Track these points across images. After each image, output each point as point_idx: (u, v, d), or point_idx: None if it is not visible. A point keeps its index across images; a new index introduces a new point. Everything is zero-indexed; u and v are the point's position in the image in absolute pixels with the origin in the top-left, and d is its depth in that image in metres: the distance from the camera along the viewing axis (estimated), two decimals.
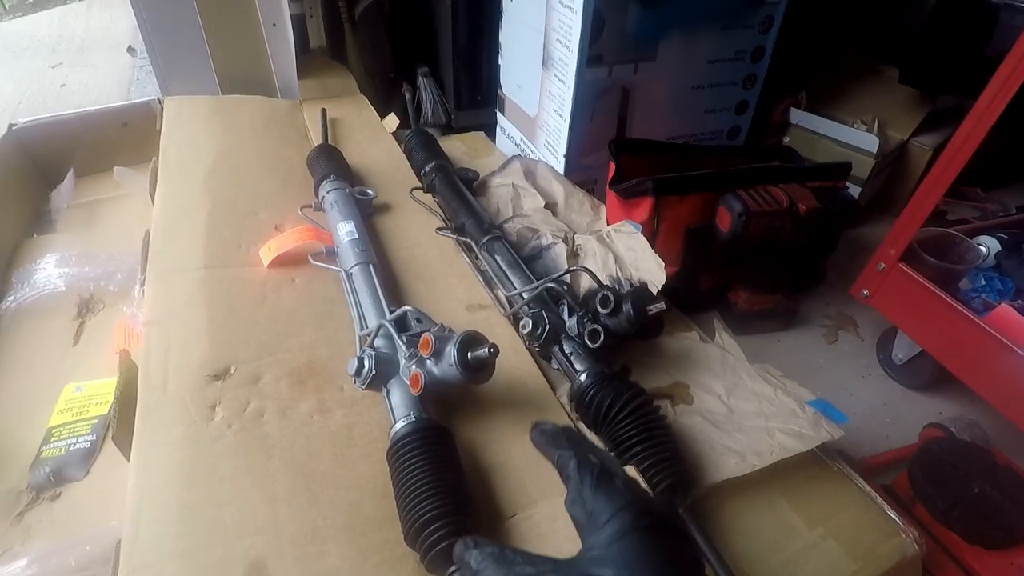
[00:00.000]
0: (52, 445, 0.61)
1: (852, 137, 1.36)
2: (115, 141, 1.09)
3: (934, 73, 1.37)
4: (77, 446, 0.61)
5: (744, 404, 0.64)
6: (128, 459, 0.49)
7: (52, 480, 0.59)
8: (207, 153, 0.92)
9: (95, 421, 0.64)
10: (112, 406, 0.52)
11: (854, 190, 1.35)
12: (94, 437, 0.62)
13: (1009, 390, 0.79)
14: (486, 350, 0.49)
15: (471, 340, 0.51)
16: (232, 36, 1.15)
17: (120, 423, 0.50)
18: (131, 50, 1.97)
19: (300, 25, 1.46)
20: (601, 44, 1.01)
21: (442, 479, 0.45)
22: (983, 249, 0.97)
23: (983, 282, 0.94)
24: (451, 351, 0.49)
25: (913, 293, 0.90)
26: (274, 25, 1.15)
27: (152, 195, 0.84)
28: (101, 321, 0.77)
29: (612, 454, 0.45)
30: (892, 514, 0.60)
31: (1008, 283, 0.95)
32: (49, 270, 0.81)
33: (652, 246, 0.78)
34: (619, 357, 0.67)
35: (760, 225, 0.89)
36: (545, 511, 0.50)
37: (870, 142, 1.32)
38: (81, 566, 0.49)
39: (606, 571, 0.31)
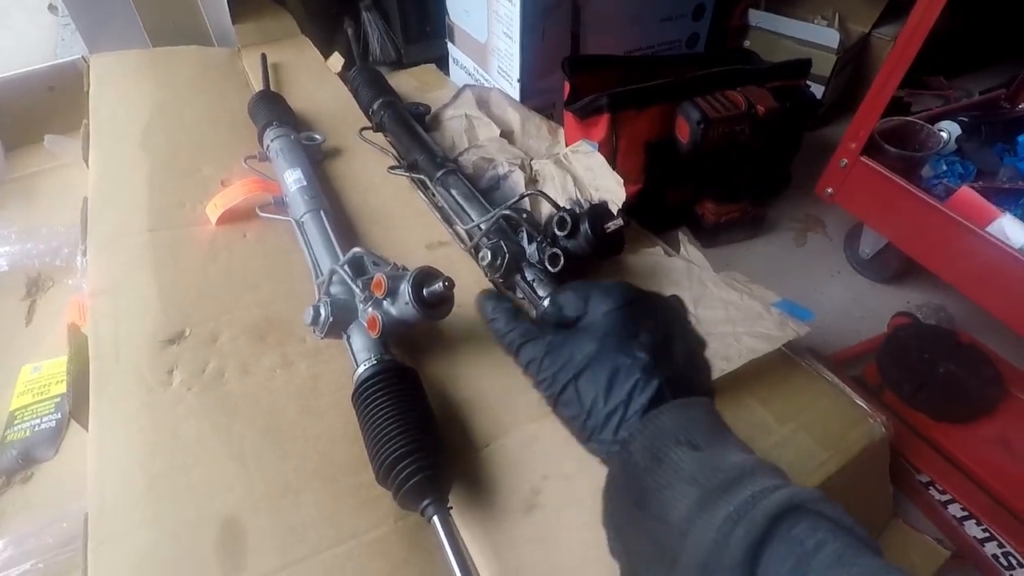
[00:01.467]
0: (16, 428, 0.60)
1: (813, 34, 1.32)
2: (43, 108, 1.02)
3: None
4: (43, 426, 0.60)
5: (711, 312, 0.64)
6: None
7: (21, 462, 0.58)
8: (141, 111, 0.87)
9: (58, 399, 0.62)
10: (67, 382, 0.50)
11: (817, 89, 1.32)
12: (59, 415, 0.61)
13: (970, 271, 0.80)
14: (441, 284, 0.48)
15: (425, 276, 0.49)
16: None
17: (76, 398, 0.49)
18: (52, 8, 1.83)
19: None
20: None
21: (408, 417, 0.44)
22: (943, 134, 0.96)
23: (944, 167, 0.94)
24: (405, 289, 0.48)
25: (876, 185, 0.89)
26: None
27: (86, 160, 0.79)
28: (52, 298, 0.75)
29: None
30: (860, 402, 0.62)
31: (969, 166, 0.95)
32: None
33: (612, 164, 0.76)
34: (585, 280, 0.66)
35: (719, 131, 0.87)
36: (518, 438, 0.51)
37: (831, 37, 1.29)
38: (60, 543, 0.49)
39: (601, 335, 0.38)
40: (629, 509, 0.33)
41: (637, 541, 0.32)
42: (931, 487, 0.74)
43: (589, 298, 0.41)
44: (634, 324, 0.38)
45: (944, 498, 0.73)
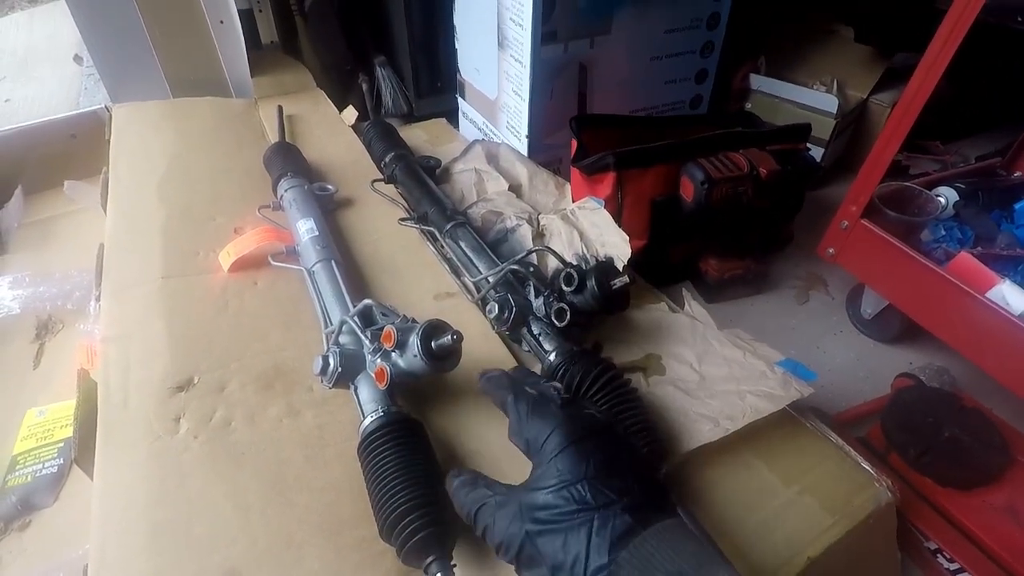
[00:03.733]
0: (18, 473, 0.60)
1: (812, 99, 1.37)
2: (64, 154, 1.05)
3: (888, 30, 1.38)
4: (44, 472, 0.60)
5: (715, 370, 0.65)
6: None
7: (20, 509, 0.57)
8: (160, 160, 0.90)
9: (61, 445, 0.62)
10: (73, 428, 0.51)
11: (817, 152, 1.36)
12: (61, 461, 0.61)
13: (972, 335, 0.80)
14: (449, 337, 0.49)
15: (434, 329, 0.50)
16: (178, 37, 1.11)
17: (82, 444, 0.49)
18: (78, 59, 1.91)
19: (249, 20, 1.42)
20: (554, 20, 0.99)
21: (413, 471, 0.44)
22: (941, 200, 0.98)
23: (943, 232, 0.96)
24: (414, 341, 0.49)
25: (876, 248, 0.91)
26: (221, 22, 1.12)
27: (104, 207, 0.81)
28: (61, 342, 0.75)
29: (557, 383, 0.47)
30: (866, 465, 0.61)
31: (967, 231, 0.97)
32: (3, 293, 0.78)
33: (618, 221, 0.77)
34: (590, 334, 0.67)
35: (723, 192, 0.90)
36: None
37: (830, 103, 1.33)
38: None
39: (549, 485, 0.37)
40: None
41: None
42: (939, 555, 0.72)
43: (530, 442, 0.41)
44: (579, 462, 0.37)
45: (953, 567, 0.71)
